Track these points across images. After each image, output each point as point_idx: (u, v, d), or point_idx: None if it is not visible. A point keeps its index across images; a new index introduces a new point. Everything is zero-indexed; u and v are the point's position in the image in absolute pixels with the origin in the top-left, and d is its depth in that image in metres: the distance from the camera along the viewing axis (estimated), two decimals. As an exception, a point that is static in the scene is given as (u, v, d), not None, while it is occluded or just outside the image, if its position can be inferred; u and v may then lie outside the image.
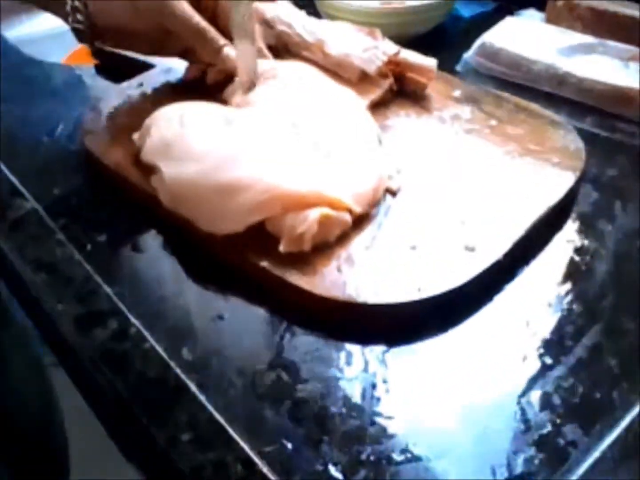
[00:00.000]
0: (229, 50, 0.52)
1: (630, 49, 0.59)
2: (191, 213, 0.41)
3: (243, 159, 0.41)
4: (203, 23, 0.51)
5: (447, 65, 0.62)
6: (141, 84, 0.58)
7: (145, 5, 0.51)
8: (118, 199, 0.48)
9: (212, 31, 0.52)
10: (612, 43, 0.60)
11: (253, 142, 0.41)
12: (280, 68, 0.52)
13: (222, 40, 0.52)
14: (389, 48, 0.53)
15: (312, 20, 0.58)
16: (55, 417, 0.62)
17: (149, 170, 0.45)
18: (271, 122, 0.45)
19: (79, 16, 0.51)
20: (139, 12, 0.51)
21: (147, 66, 0.61)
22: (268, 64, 0.53)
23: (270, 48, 0.57)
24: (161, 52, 0.56)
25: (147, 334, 0.38)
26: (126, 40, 0.54)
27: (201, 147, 0.43)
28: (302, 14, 0.60)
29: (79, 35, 0.52)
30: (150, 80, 0.59)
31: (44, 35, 1.00)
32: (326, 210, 0.39)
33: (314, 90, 0.50)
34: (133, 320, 0.39)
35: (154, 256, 0.44)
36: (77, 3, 0.51)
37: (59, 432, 0.63)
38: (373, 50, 0.52)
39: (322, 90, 0.50)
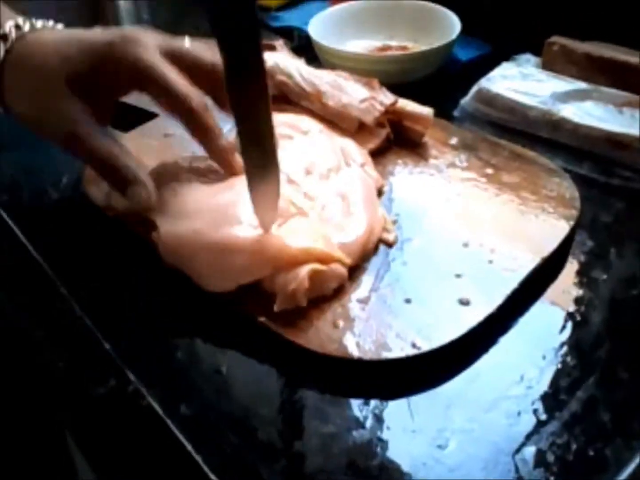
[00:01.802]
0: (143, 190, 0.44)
1: (625, 95, 0.60)
2: (187, 269, 0.42)
3: (234, 219, 0.42)
4: (115, 149, 0.46)
5: (445, 110, 0.63)
6: (144, 134, 0.59)
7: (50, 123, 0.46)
8: (121, 251, 0.49)
9: (125, 159, 0.45)
10: (606, 89, 0.60)
11: (246, 200, 0.42)
12: (280, 120, 0.53)
13: (134, 174, 0.45)
14: (386, 98, 0.55)
15: (311, 69, 0.59)
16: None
17: (151, 223, 0.46)
18: None
19: None
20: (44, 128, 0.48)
21: (151, 115, 0.63)
22: None
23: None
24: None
25: (144, 390, 0.39)
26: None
27: (195, 205, 0.44)
28: (301, 62, 0.62)
29: None
30: (154, 130, 0.60)
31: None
32: (316, 266, 0.40)
33: (313, 143, 0.51)
34: (131, 377, 0.39)
35: (153, 310, 0.45)
36: None
37: None
38: (370, 101, 0.54)
39: (321, 143, 0.51)
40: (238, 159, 0.47)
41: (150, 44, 0.46)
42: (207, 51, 0.48)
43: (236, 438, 0.36)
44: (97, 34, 0.47)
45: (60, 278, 0.47)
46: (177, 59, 0.47)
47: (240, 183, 0.46)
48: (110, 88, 0.47)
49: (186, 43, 0.49)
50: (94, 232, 0.51)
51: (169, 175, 0.47)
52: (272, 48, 0.64)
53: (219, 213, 0.43)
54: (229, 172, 0.47)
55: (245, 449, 0.36)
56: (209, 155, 0.48)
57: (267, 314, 0.40)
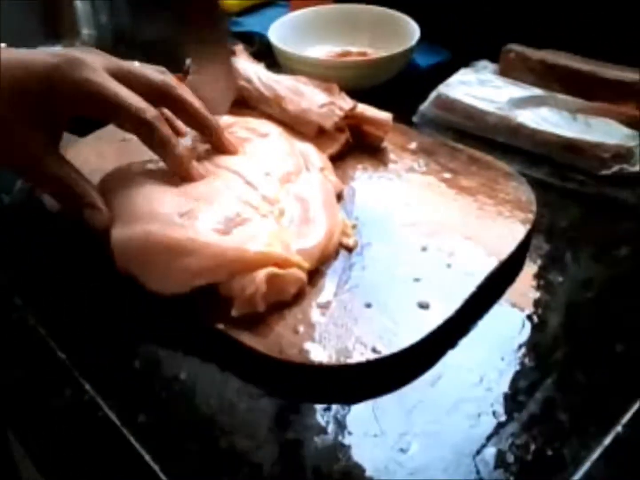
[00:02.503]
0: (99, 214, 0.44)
1: (579, 101, 0.61)
2: (139, 273, 0.41)
3: (189, 221, 0.41)
4: (72, 175, 0.45)
5: (404, 116, 0.63)
6: (101, 138, 0.58)
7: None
8: (75, 259, 0.48)
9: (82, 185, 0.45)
10: (561, 96, 0.62)
11: (202, 203, 0.42)
12: (239, 124, 0.53)
13: (91, 200, 0.44)
14: (346, 103, 0.55)
15: (270, 74, 0.59)
16: None
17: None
18: (224, 181, 0.46)
19: None
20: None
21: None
22: (228, 119, 0.54)
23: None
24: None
25: (100, 400, 0.38)
26: None
27: (149, 208, 0.43)
28: (260, 67, 0.62)
29: None
30: (111, 134, 0.59)
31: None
32: (274, 270, 0.40)
33: (273, 146, 0.51)
34: (87, 387, 0.39)
35: (110, 318, 0.44)
36: None
37: None
38: (330, 106, 0.54)
39: (281, 147, 0.51)
40: (196, 167, 0.47)
41: (97, 65, 0.45)
42: (155, 72, 0.48)
43: (196, 447, 0.36)
44: (41, 56, 0.45)
45: (14, 287, 0.46)
46: (126, 77, 0.46)
47: (193, 187, 0.45)
48: (60, 111, 0.45)
49: (134, 64, 0.49)
50: (48, 238, 0.50)
51: (122, 180, 0.47)
52: (232, 53, 0.64)
53: (172, 216, 0.42)
54: (188, 180, 0.47)
55: (205, 458, 0.35)
56: (167, 166, 0.47)
57: (225, 320, 0.40)
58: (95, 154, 0.56)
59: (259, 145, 0.50)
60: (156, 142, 0.45)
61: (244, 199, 0.44)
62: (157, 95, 0.47)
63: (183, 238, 0.40)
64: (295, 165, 0.49)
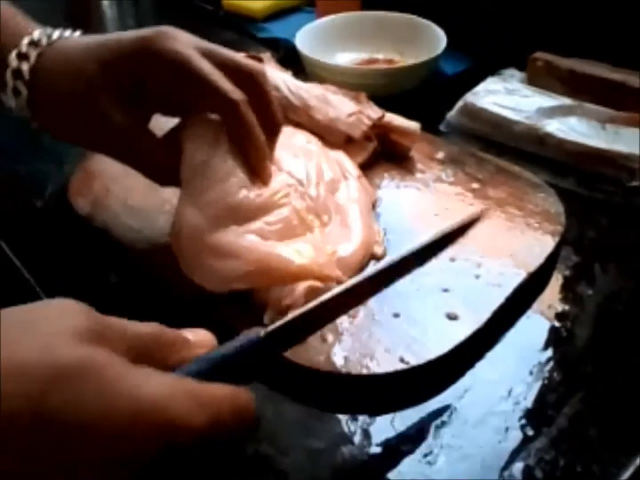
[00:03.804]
0: None
1: (607, 111, 0.60)
2: (189, 262, 0.41)
3: (245, 226, 0.42)
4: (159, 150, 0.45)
5: (430, 123, 0.63)
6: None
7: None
8: (105, 262, 0.49)
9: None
10: (590, 105, 0.61)
11: (262, 211, 0.42)
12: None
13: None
14: (374, 112, 0.55)
15: (298, 82, 0.59)
16: None
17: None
18: (284, 188, 0.45)
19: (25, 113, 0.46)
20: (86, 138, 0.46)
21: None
22: None
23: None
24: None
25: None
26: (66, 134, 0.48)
27: (223, 205, 0.42)
28: (288, 75, 0.62)
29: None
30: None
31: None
32: (313, 284, 0.40)
33: (313, 155, 0.50)
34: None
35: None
36: (20, 86, 0.45)
37: None
38: (358, 115, 0.54)
39: (321, 156, 0.50)
40: (269, 167, 0.45)
41: (185, 40, 0.44)
42: (244, 58, 0.47)
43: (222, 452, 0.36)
44: (128, 34, 0.44)
45: (45, 290, 0.47)
46: (214, 58, 0.44)
47: (258, 189, 0.44)
48: (150, 87, 0.44)
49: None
50: (79, 242, 0.51)
51: (203, 154, 0.44)
52: (260, 60, 0.64)
53: (234, 212, 0.42)
54: (261, 173, 0.44)
55: (231, 463, 0.36)
56: (245, 154, 0.44)
57: (253, 326, 0.40)
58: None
59: (299, 152, 0.50)
60: (240, 126, 0.43)
61: (298, 208, 0.44)
62: (244, 80, 0.44)
63: (232, 242, 0.41)
64: (335, 174, 0.49)
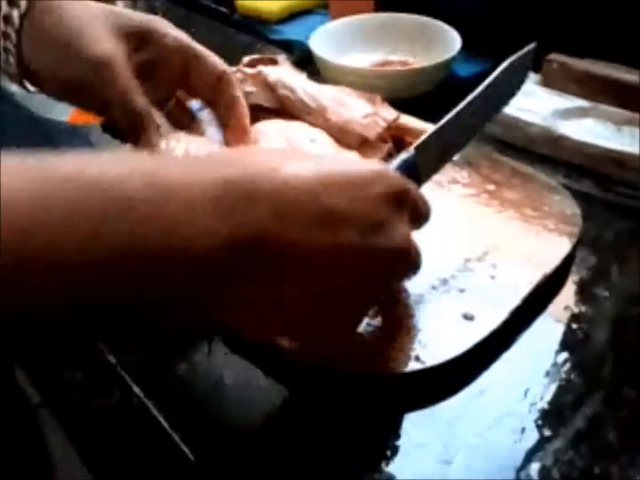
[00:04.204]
0: (165, 145, 0.47)
1: (624, 113, 0.60)
2: None
3: None
4: (142, 106, 0.46)
5: (445, 126, 0.63)
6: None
7: (82, 68, 0.45)
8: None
9: (152, 120, 0.47)
10: (605, 107, 0.61)
11: None
12: (291, 130, 0.53)
13: (157, 137, 0.47)
14: (389, 114, 0.55)
15: (313, 84, 0.60)
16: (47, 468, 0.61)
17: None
18: None
19: (10, 59, 0.46)
20: (74, 69, 0.46)
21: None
22: (274, 125, 0.54)
23: (273, 111, 0.59)
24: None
25: (148, 402, 0.38)
26: (57, 89, 0.49)
27: None
28: (303, 77, 0.62)
29: (12, 78, 0.48)
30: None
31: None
32: None
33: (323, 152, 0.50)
34: (135, 389, 0.39)
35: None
36: (9, 45, 0.46)
37: None
38: (373, 117, 0.54)
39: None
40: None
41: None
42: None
43: (238, 450, 0.36)
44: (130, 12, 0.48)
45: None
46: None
47: None
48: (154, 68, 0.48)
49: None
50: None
51: None
52: (275, 62, 0.64)
53: None
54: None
55: (247, 461, 0.36)
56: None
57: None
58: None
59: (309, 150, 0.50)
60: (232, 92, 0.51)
61: None
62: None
63: None
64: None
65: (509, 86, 0.50)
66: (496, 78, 0.47)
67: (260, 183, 0.30)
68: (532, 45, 0.52)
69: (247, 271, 0.29)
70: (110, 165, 0.28)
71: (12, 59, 0.46)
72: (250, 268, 0.29)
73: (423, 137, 0.43)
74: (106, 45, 0.45)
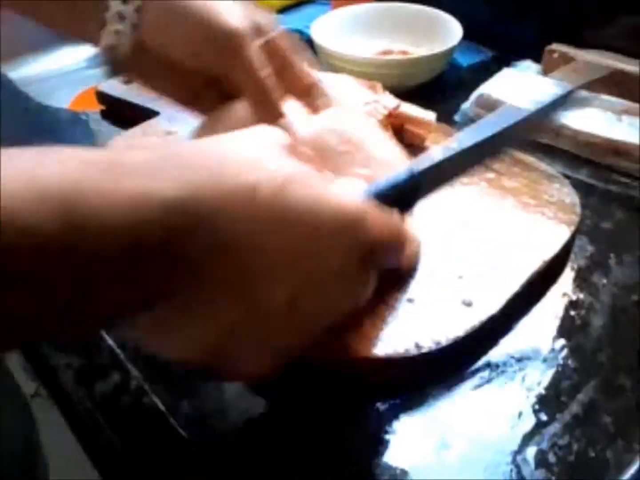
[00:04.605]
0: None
1: (623, 102, 0.60)
2: None
3: None
4: (269, 81, 0.43)
5: (446, 115, 0.63)
6: (146, 131, 0.59)
7: (213, 44, 0.43)
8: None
9: (275, 94, 0.44)
10: (606, 97, 0.61)
11: None
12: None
13: (281, 109, 0.44)
14: (389, 102, 0.55)
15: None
16: (38, 460, 0.60)
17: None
18: None
19: (120, 26, 0.43)
20: (202, 47, 0.43)
21: (153, 113, 0.63)
22: None
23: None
24: (193, 104, 0.48)
25: (147, 387, 0.39)
26: (164, 78, 0.46)
27: None
28: (304, 65, 0.62)
29: (110, 59, 0.45)
30: (155, 128, 0.60)
31: (49, 75, 1.02)
32: None
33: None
34: (134, 373, 0.39)
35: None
36: (122, 27, 0.43)
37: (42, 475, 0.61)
38: (373, 104, 0.54)
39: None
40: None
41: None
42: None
43: (236, 436, 0.36)
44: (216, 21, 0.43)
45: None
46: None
47: None
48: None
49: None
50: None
51: None
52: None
53: None
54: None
55: (245, 446, 0.36)
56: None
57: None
58: (141, 146, 0.57)
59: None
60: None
61: None
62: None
63: None
64: None
65: (542, 120, 0.46)
66: (533, 113, 0.44)
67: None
68: (571, 88, 0.48)
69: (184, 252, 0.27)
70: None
71: (125, 40, 0.43)
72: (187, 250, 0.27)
73: (433, 160, 0.38)
74: (237, 20, 0.43)
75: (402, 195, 0.36)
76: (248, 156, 0.30)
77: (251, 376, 0.33)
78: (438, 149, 0.39)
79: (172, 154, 0.29)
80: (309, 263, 0.29)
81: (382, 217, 0.33)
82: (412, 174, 0.36)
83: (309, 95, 0.47)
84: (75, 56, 1.06)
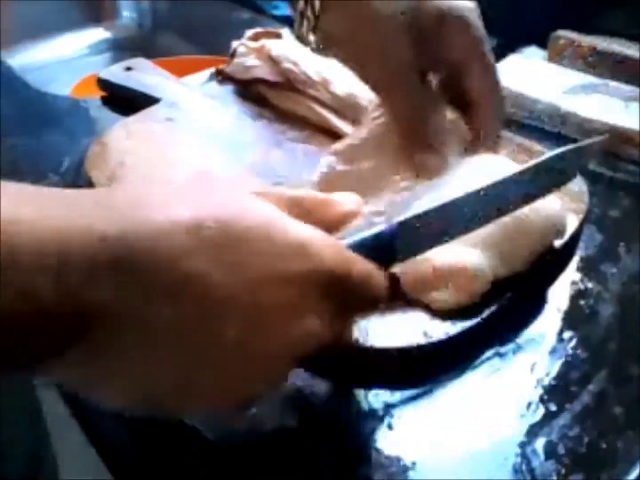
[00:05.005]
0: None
1: (632, 89, 0.59)
2: None
3: None
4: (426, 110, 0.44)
5: (450, 102, 0.62)
6: (146, 117, 0.58)
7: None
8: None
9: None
10: (613, 83, 0.60)
11: None
12: None
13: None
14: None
15: (318, 58, 0.59)
16: (47, 452, 0.60)
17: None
18: None
19: (305, 24, 0.45)
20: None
21: (154, 100, 0.62)
22: None
23: (276, 85, 0.58)
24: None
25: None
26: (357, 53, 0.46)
27: None
28: (307, 51, 0.61)
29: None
30: (156, 114, 0.59)
31: (49, 62, 1.02)
32: None
33: None
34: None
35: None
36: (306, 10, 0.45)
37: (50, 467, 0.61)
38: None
39: None
40: None
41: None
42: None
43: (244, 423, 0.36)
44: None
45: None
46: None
47: None
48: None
49: None
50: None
51: None
52: (278, 36, 0.63)
53: None
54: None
55: (254, 437, 0.36)
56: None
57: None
58: (140, 133, 0.56)
59: None
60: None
61: None
62: None
63: None
64: None
65: (551, 179, 0.40)
66: (537, 164, 0.39)
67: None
68: (597, 139, 0.42)
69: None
70: None
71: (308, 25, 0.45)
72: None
73: (416, 212, 0.35)
74: None
75: (381, 248, 0.33)
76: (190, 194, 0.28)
77: (212, 410, 0.31)
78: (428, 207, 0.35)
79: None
80: (262, 292, 0.27)
81: (342, 249, 0.30)
82: (391, 229, 0.33)
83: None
84: (75, 43, 1.05)
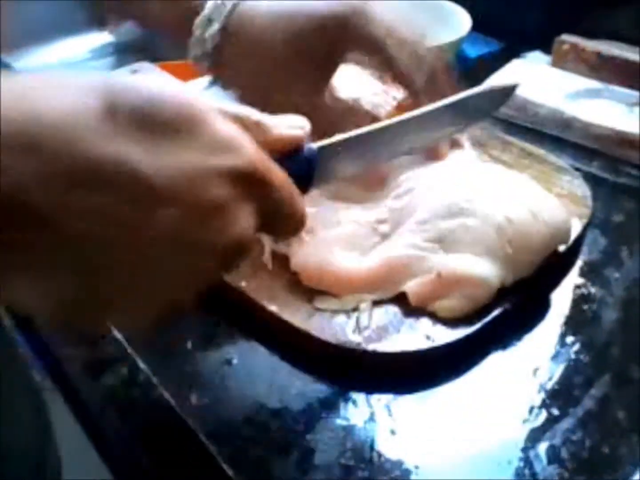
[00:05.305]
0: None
1: (635, 94, 0.60)
2: None
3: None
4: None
5: (454, 106, 0.62)
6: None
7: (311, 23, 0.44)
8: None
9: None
10: (617, 88, 0.60)
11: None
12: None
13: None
14: (398, 93, 0.54)
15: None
16: (51, 453, 0.61)
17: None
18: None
19: (207, 45, 0.45)
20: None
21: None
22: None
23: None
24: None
25: (155, 380, 0.38)
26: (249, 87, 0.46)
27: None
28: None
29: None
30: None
31: (53, 66, 1.02)
32: None
33: None
34: (142, 365, 0.39)
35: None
36: (209, 36, 0.44)
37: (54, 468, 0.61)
38: (383, 95, 0.53)
39: None
40: None
41: (379, 21, 0.45)
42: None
43: (247, 429, 0.36)
44: (319, 5, 0.44)
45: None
46: (403, 45, 0.47)
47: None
48: (333, 56, 0.47)
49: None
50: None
51: None
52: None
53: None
54: None
55: (256, 439, 0.36)
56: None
57: (277, 303, 0.40)
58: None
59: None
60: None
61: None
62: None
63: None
64: None
65: (470, 114, 0.44)
66: (461, 99, 0.43)
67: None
68: (514, 84, 0.47)
69: None
70: None
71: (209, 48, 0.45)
72: None
73: (336, 138, 0.36)
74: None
75: (300, 168, 0.33)
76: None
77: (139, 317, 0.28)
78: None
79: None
80: (197, 183, 0.25)
81: (266, 156, 0.29)
82: (310, 149, 0.33)
83: None
84: (79, 47, 1.05)
